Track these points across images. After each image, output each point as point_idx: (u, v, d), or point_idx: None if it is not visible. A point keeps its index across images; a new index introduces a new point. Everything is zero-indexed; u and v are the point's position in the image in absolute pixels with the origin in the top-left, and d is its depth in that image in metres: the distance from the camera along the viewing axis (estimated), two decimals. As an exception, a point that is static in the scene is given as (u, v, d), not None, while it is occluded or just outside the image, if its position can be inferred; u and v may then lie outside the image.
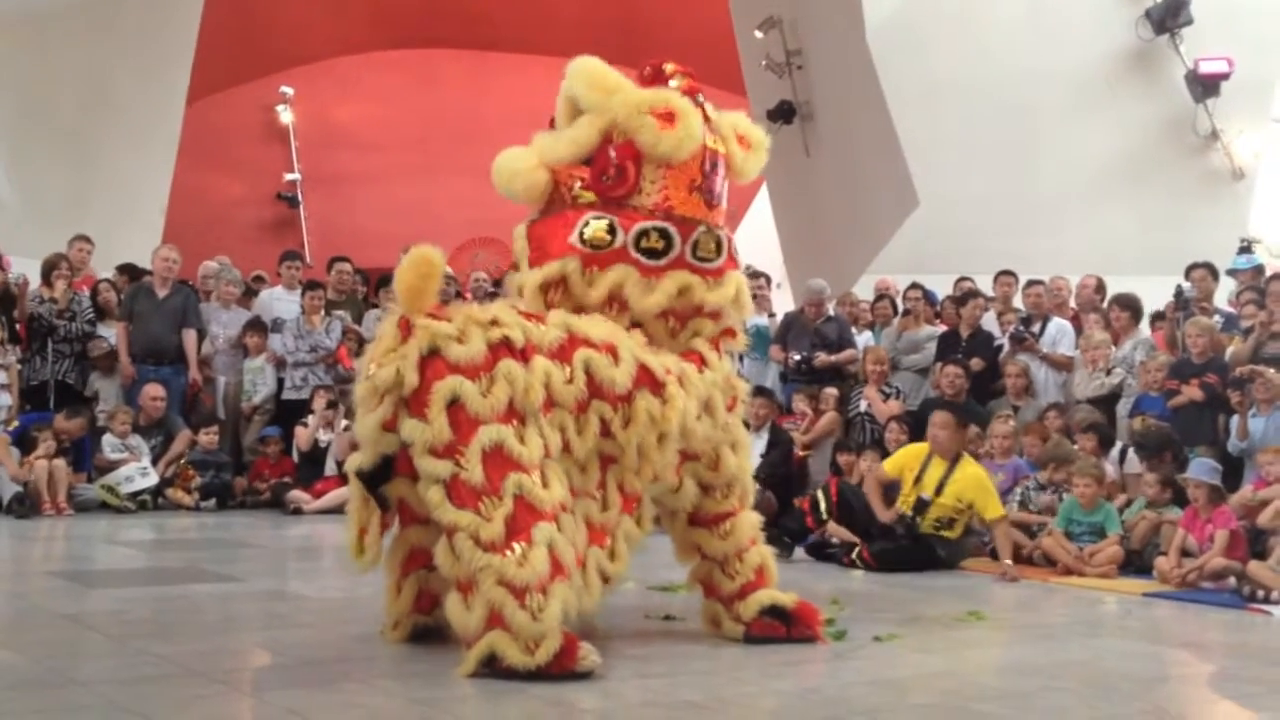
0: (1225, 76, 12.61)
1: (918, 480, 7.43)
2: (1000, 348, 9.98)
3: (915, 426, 8.47)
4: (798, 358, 10.34)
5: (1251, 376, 7.89)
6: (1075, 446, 8.08)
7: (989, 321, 10.33)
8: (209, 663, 4.07)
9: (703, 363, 4.59)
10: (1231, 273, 10.51)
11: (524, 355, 4.09)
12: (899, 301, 11.14)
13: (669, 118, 4.40)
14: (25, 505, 8.84)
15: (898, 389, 9.94)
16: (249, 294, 11.82)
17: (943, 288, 11.24)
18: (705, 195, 4.56)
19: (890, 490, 7.68)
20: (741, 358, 9.61)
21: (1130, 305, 9.55)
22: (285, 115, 21.30)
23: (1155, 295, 9.99)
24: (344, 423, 9.99)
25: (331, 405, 10.40)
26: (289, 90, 21.09)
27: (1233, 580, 6.42)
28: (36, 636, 4.50)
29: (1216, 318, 9.27)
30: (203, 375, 10.77)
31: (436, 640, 4.42)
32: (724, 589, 4.70)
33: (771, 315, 11.46)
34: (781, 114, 14.83)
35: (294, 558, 7.81)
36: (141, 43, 14.11)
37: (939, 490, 7.34)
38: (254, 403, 10.85)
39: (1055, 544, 7.24)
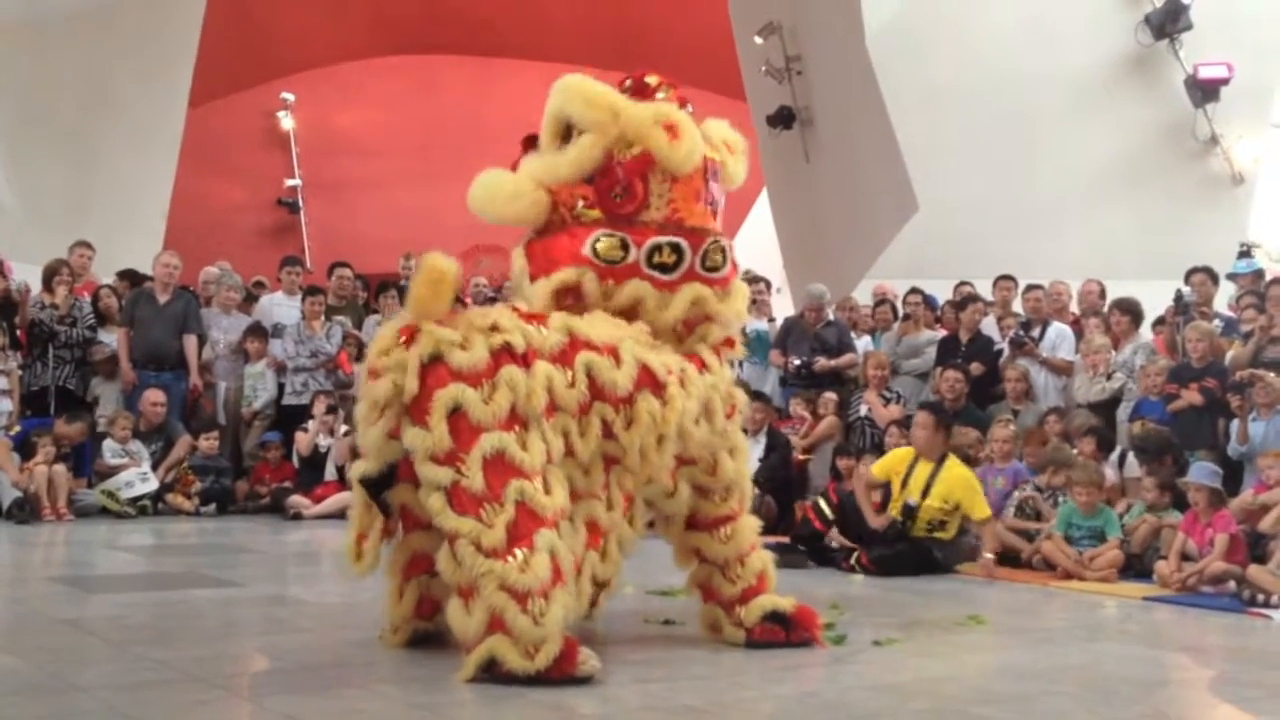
0: (1225, 81, 12.61)
1: (905, 484, 7.46)
2: (1000, 352, 9.98)
3: (915, 431, 8.48)
4: (798, 362, 10.36)
5: (1251, 381, 7.89)
6: (1075, 451, 8.09)
7: (989, 326, 10.34)
8: (209, 668, 4.08)
9: (703, 366, 4.61)
10: (1231, 277, 10.52)
11: (525, 360, 4.09)
12: (899, 306, 11.15)
13: (672, 130, 4.42)
14: (25, 510, 8.83)
15: (898, 394, 9.96)
16: (250, 299, 11.83)
17: (943, 292, 11.25)
18: (709, 205, 4.61)
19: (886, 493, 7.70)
20: (741, 363, 9.63)
21: (1130, 310, 9.56)
22: (286, 121, 21.33)
23: (1155, 300, 10.00)
24: (344, 428, 9.99)
25: (332, 410, 10.40)
26: (290, 96, 21.12)
27: (1233, 584, 6.42)
28: (37, 642, 4.51)
29: (1216, 322, 9.29)
30: (203, 380, 10.77)
31: (436, 645, 4.43)
32: (725, 593, 4.70)
33: (771, 320, 11.47)
34: (781, 119, 14.86)
35: (294, 563, 7.82)
36: (142, 46, 14.10)
37: (925, 492, 7.36)
38: (254, 408, 10.86)
39: (1055, 548, 7.24)
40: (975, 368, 9.65)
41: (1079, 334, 9.81)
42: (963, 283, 11.09)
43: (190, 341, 10.58)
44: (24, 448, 9.25)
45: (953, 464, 7.51)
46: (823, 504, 7.71)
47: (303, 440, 10.44)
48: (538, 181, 4.49)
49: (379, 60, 21.01)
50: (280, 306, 11.41)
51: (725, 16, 16.76)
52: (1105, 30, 12.93)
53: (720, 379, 4.67)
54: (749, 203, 18.59)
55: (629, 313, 4.48)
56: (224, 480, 10.28)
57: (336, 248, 17.05)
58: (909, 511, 7.34)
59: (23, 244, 11.75)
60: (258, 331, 10.97)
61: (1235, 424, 8.00)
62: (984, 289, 10.80)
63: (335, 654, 4.41)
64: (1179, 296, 9.70)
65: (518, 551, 3.86)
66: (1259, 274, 10.48)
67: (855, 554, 7.33)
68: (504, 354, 4.06)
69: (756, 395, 9.24)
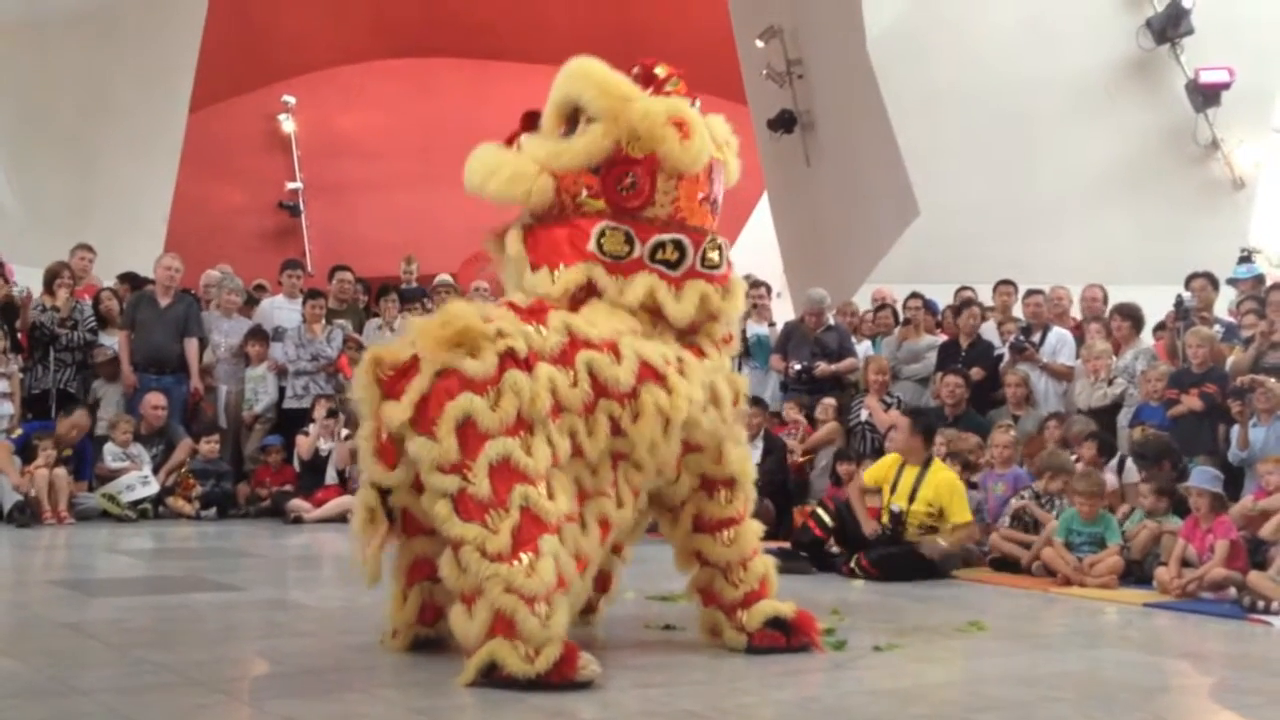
0: (1226, 86, 12.62)
1: (894, 490, 7.48)
2: (1000, 357, 9.98)
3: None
4: (798, 367, 10.35)
5: (1252, 386, 7.89)
6: (1074, 457, 8.08)
7: (989, 331, 10.34)
8: (209, 672, 4.08)
9: (702, 354, 4.61)
10: (1232, 282, 10.52)
11: (527, 364, 4.09)
12: (899, 311, 11.14)
13: (683, 127, 4.42)
14: (26, 514, 8.84)
15: (899, 399, 9.95)
16: (250, 303, 11.83)
17: (943, 297, 11.25)
18: (711, 204, 4.63)
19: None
20: (741, 365, 9.64)
21: (1131, 315, 9.55)
22: (287, 124, 21.36)
23: (1155, 305, 9.99)
24: (345, 432, 9.99)
25: (332, 414, 10.40)
26: (291, 99, 21.15)
27: (1233, 591, 6.41)
28: (38, 645, 4.51)
29: (1217, 327, 9.28)
30: (204, 384, 10.78)
31: (437, 650, 4.43)
32: (726, 597, 4.69)
33: (772, 325, 11.46)
34: (782, 123, 14.87)
35: (294, 566, 7.82)
36: (143, 49, 14.12)
37: (912, 497, 7.38)
38: (255, 411, 10.86)
39: (1055, 554, 7.23)
40: (975, 373, 9.64)
41: (1079, 339, 9.80)
42: (963, 288, 11.09)
43: (191, 345, 10.59)
44: (25, 451, 9.26)
45: (938, 468, 7.55)
46: (822, 512, 7.72)
47: (303, 444, 10.44)
48: (542, 165, 4.46)
49: (379, 63, 21.04)
50: (281, 310, 11.42)
51: (726, 20, 16.78)
52: (1106, 34, 12.94)
53: (721, 366, 4.68)
54: (749, 207, 18.59)
55: (645, 307, 4.47)
56: (225, 484, 10.29)
57: (337, 251, 17.08)
58: (895, 518, 7.37)
59: (24, 247, 11.75)
60: (259, 335, 10.97)
61: (1235, 429, 7.99)
62: (985, 294, 10.81)
63: (336, 658, 4.41)
64: (1179, 301, 9.70)
65: (523, 556, 3.86)
66: (1259, 279, 10.49)
67: (855, 557, 7.33)
68: (507, 359, 4.06)
69: (754, 400, 9.24)
